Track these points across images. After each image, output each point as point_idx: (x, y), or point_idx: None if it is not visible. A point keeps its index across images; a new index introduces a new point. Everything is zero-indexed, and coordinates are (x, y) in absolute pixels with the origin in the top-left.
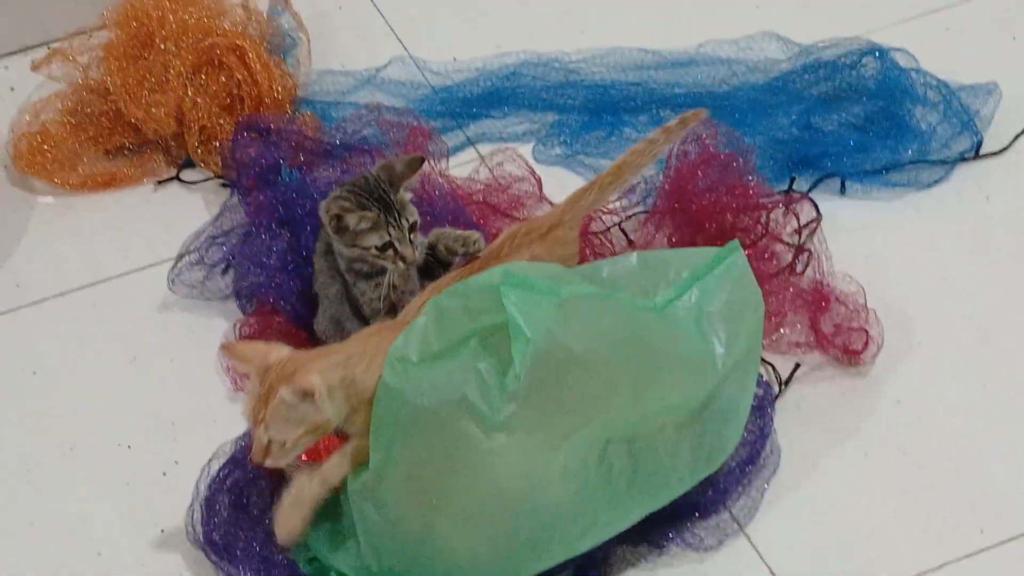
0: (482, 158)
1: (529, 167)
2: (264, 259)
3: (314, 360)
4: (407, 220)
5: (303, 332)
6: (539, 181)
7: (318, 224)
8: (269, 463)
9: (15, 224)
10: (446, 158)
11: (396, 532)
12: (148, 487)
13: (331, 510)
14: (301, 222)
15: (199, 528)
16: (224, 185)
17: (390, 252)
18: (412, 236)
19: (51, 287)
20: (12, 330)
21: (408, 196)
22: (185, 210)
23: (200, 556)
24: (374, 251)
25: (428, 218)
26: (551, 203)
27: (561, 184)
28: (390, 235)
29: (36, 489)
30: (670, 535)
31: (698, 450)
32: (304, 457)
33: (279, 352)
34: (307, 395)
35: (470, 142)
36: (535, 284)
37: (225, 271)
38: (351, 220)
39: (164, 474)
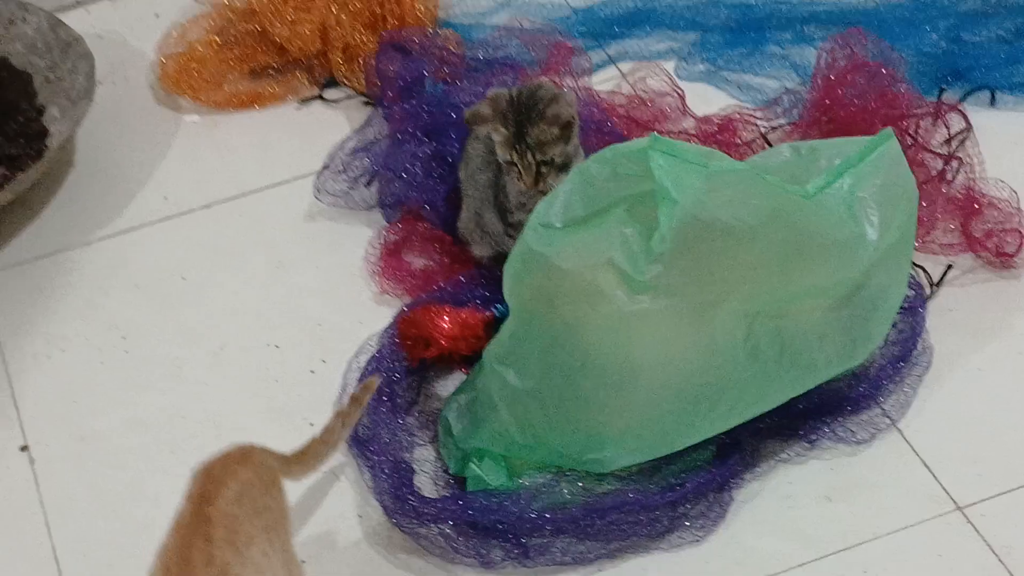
0: (623, 75)
1: (672, 82)
2: (408, 166)
3: None
4: (538, 156)
5: (448, 236)
6: (682, 96)
7: (462, 132)
8: None
9: (162, 140)
10: (588, 75)
11: (539, 397)
12: (297, 384)
13: (463, 391)
14: (445, 131)
15: None
16: (366, 103)
17: (515, 169)
18: (543, 170)
19: (197, 199)
20: (160, 239)
21: (554, 132)
22: (327, 128)
23: (343, 448)
24: (503, 160)
25: None
26: (695, 117)
27: (704, 99)
28: (513, 159)
29: (189, 386)
30: (823, 429)
31: (845, 336)
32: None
33: None
34: None
35: (611, 60)
36: (684, 152)
37: (369, 183)
38: (482, 130)
39: (312, 372)
